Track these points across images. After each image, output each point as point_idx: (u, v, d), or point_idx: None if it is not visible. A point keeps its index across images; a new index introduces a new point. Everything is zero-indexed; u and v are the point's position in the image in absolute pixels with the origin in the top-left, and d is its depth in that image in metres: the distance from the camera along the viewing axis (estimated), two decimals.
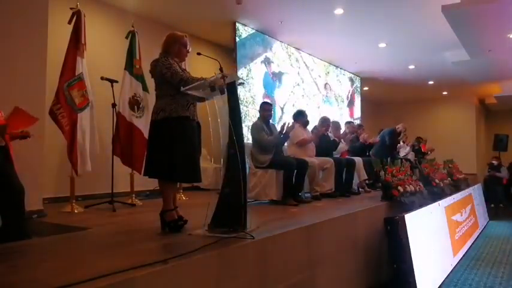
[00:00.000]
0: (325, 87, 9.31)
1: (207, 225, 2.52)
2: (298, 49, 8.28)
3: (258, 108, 4.90)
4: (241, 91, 6.58)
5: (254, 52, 7.08)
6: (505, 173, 10.45)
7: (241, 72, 6.66)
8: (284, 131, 4.49)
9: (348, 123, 6.90)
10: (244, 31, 6.86)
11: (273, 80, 7.57)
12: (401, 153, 7.80)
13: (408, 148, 8.29)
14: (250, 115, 6.77)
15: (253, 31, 7.05)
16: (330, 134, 5.64)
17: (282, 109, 7.67)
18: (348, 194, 5.21)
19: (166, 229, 2.68)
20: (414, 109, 13.39)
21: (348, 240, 3.53)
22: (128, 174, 4.46)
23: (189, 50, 2.92)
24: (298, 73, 8.35)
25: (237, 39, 6.69)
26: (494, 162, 10.66)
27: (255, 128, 4.52)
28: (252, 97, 6.97)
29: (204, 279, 1.99)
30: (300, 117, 5.12)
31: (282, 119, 7.49)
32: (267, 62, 7.43)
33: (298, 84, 8.31)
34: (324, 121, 5.52)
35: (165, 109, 2.65)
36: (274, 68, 7.61)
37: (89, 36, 4.13)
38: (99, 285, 1.52)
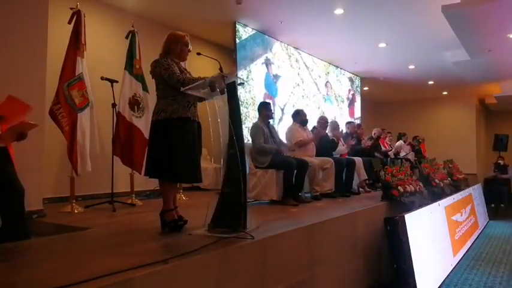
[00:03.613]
0: (325, 85, 9.31)
1: (207, 225, 2.52)
2: (298, 49, 8.27)
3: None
4: (241, 92, 6.56)
5: (254, 53, 7.06)
6: (511, 173, 10.42)
7: (242, 74, 6.65)
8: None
9: (349, 123, 6.90)
10: (244, 32, 6.84)
11: (273, 81, 7.56)
12: (402, 153, 7.81)
13: (408, 148, 8.29)
14: (250, 116, 6.74)
15: (254, 32, 7.03)
16: (329, 134, 5.65)
17: (282, 110, 7.66)
18: (348, 194, 5.21)
19: (166, 229, 2.68)
20: (414, 109, 13.38)
21: (348, 240, 3.53)
22: (128, 174, 4.46)
23: (190, 50, 2.92)
24: (298, 73, 8.33)
25: (237, 40, 6.67)
26: (501, 162, 10.62)
27: (254, 131, 4.49)
28: (252, 98, 6.95)
29: (204, 279, 1.99)
30: (298, 116, 5.13)
31: (283, 120, 7.48)
32: (268, 63, 7.41)
33: (298, 85, 8.29)
34: (322, 121, 5.53)
35: (165, 110, 2.65)
36: (275, 68, 7.60)
37: (89, 36, 4.13)
38: (99, 285, 1.52)
